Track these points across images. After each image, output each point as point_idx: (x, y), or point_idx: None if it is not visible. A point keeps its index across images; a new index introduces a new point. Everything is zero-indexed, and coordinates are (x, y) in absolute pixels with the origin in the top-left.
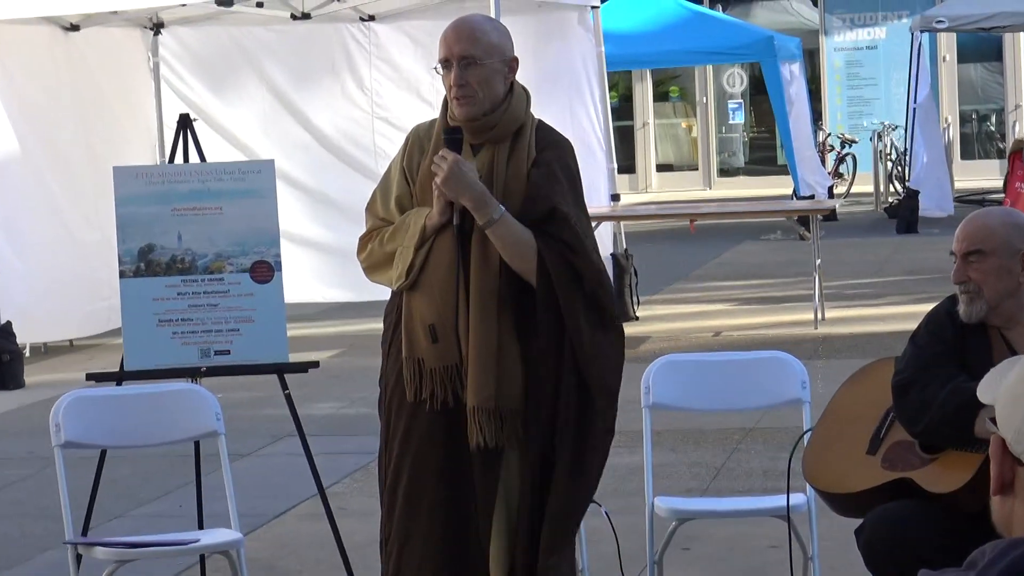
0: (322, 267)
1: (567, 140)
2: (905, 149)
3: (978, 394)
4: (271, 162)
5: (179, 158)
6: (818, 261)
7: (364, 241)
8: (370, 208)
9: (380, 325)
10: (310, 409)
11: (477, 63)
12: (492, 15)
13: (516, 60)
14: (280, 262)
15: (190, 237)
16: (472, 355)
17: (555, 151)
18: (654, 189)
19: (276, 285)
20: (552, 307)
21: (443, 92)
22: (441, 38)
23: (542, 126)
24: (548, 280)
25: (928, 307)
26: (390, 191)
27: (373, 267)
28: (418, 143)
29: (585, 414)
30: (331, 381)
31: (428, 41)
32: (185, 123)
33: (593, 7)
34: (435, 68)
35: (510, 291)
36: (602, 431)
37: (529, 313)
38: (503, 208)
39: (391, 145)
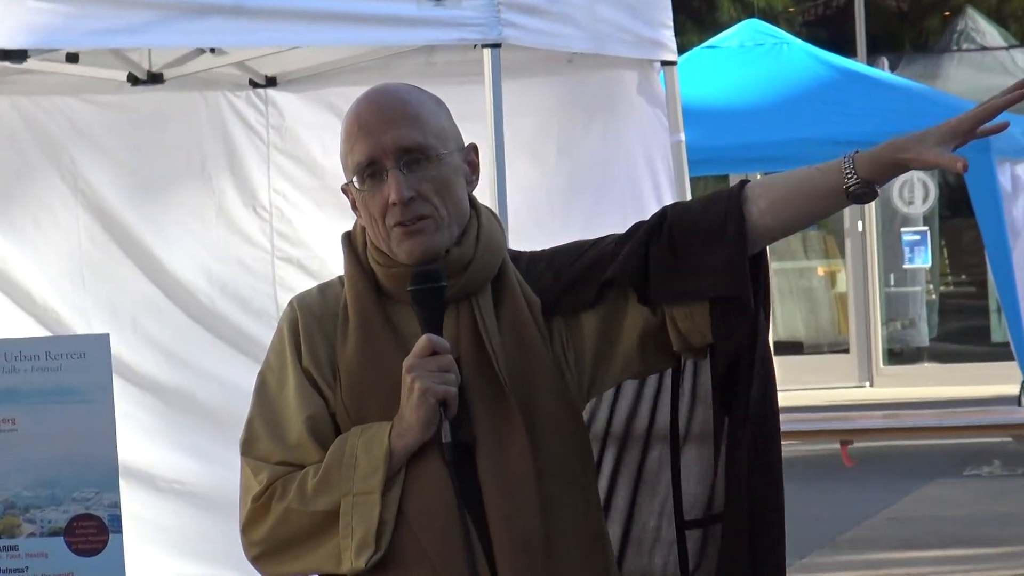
0: (181, 525)
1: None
2: None
3: None
4: (105, 338)
5: None
6: None
7: (262, 504)
8: (252, 451)
9: None
10: None
11: (430, 157)
12: (486, 79)
13: (475, 149)
14: (119, 516)
15: None
16: None
17: (544, 258)
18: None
19: (112, 557)
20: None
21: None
22: (351, 128)
23: (516, 257)
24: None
25: None
26: (283, 416)
27: (286, 545)
28: (317, 327)
29: None
30: None
31: None
32: None
33: (665, 63)
34: (350, 184)
35: (562, 523)
36: None
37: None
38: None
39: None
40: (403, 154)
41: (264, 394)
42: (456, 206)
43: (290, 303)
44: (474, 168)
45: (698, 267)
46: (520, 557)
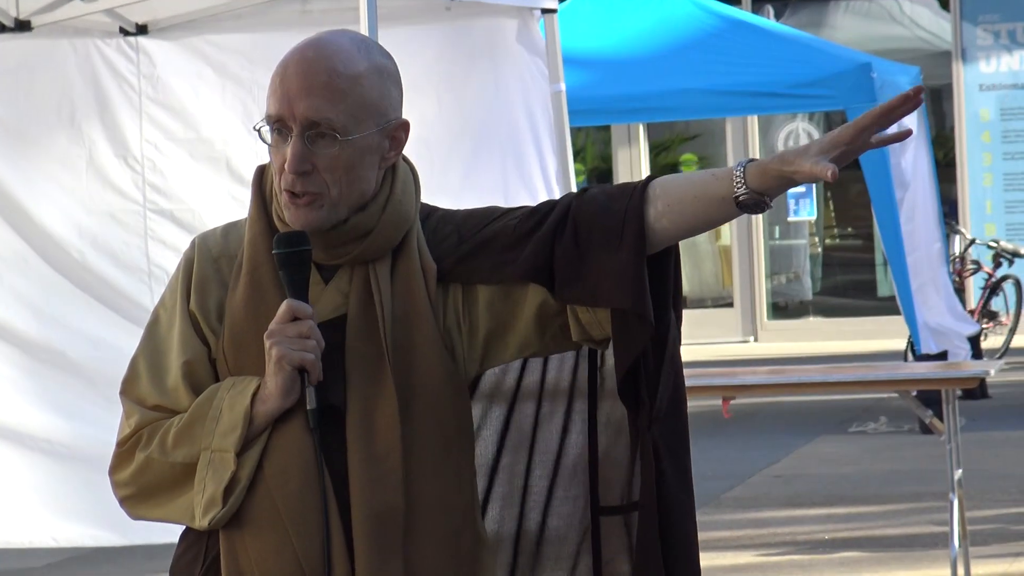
0: (53, 485)
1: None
2: None
3: None
4: None
5: None
6: (957, 474)
7: (127, 449)
8: (131, 390)
9: None
10: None
11: (337, 136)
12: (362, 27)
13: (405, 126)
14: None
15: None
16: None
17: (456, 219)
18: None
19: None
20: None
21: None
22: (276, 76)
23: (429, 213)
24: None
25: None
26: (167, 358)
27: (148, 492)
28: (212, 269)
29: None
30: None
31: (242, 70)
32: None
33: (546, 10)
34: (256, 127)
35: (426, 498)
36: None
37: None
38: None
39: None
40: (310, 126)
41: (154, 332)
42: (353, 187)
43: (192, 241)
44: (396, 144)
45: (596, 270)
46: (376, 529)
